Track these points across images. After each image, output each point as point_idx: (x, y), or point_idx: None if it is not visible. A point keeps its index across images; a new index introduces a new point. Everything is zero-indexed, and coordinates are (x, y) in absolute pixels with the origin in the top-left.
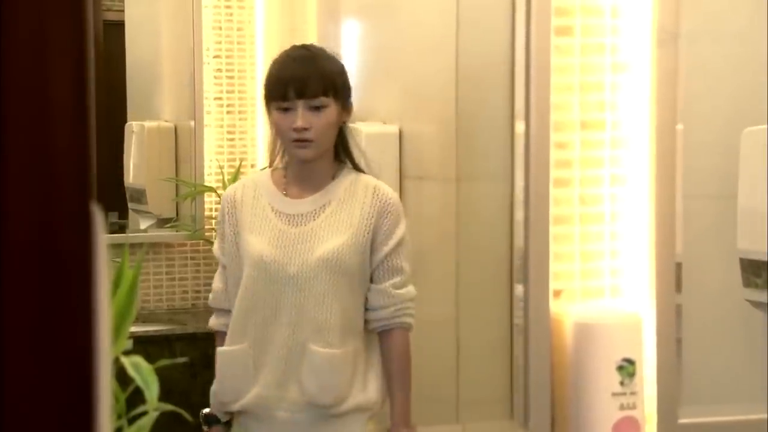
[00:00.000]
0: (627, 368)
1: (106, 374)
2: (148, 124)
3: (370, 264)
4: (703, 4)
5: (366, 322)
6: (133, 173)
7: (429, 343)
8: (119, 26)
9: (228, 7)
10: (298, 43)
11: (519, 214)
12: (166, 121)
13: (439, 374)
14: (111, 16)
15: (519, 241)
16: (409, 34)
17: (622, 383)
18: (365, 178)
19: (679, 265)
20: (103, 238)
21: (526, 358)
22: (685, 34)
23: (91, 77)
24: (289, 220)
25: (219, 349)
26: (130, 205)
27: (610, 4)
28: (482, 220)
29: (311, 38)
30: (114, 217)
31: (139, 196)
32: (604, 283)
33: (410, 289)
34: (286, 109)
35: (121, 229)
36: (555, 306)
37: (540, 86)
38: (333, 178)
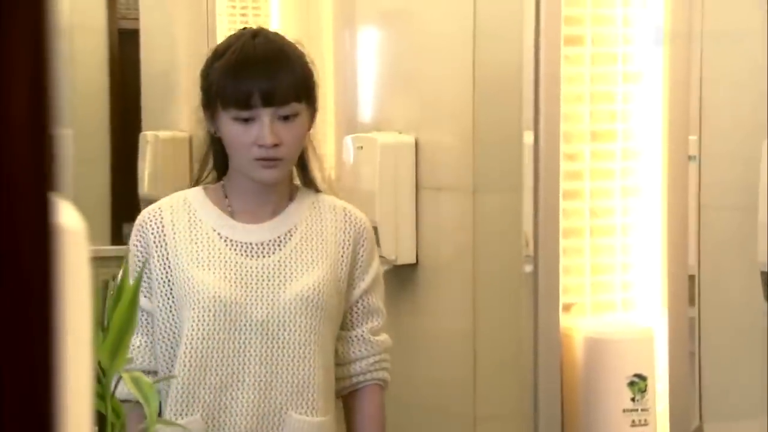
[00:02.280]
0: (638, 384)
1: (80, 398)
2: (162, 133)
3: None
4: (718, 11)
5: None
6: (147, 183)
7: (445, 357)
8: (134, 34)
9: (243, 15)
10: (314, 48)
11: (528, 227)
12: (181, 130)
13: (456, 389)
14: (126, 24)
15: (529, 253)
16: (426, 44)
17: (633, 399)
18: (328, 198)
19: (692, 278)
20: (84, 254)
21: (536, 374)
22: (699, 41)
23: (53, 89)
24: (245, 251)
25: (158, 427)
26: None
27: (622, 13)
28: (499, 232)
29: (327, 46)
30: (129, 228)
31: None
32: (616, 297)
33: (387, 337)
34: (246, 120)
35: None
36: (565, 320)
37: (550, 96)
38: (291, 198)
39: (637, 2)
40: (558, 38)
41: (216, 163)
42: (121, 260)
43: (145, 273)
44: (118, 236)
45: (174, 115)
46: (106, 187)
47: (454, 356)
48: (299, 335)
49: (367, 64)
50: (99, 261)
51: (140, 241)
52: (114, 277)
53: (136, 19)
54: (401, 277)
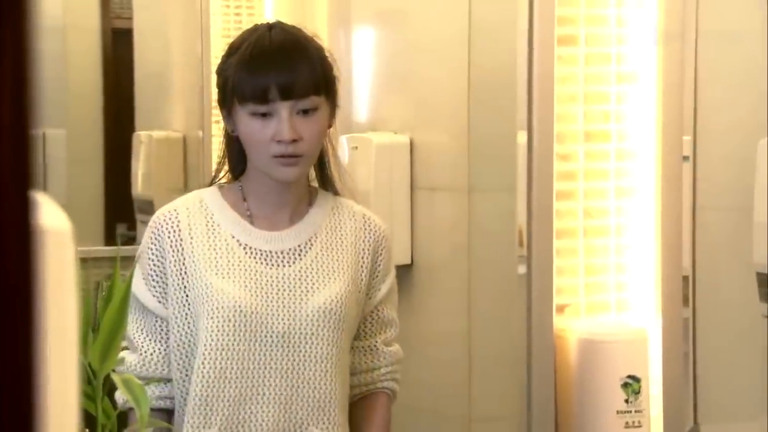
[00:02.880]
0: (632, 385)
1: (66, 399)
2: (156, 134)
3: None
4: (712, 12)
5: None
6: (141, 184)
7: (441, 358)
8: (128, 34)
9: (237, 15)
10: None
11: (522, 227)
12: (175, 131)
13: (451, 390)
14: (119, 23)
15: (522, 254)
16: (421, 44)
17: (627, 401)
18: (347, 203)
19: (686, 279)
20: (69, 255)
21: (529, 375)
22: (693, 42)
23: (36, 91)
24: (265, 259)
25: None
26: (138, 216)
27: (616, 13)
28: (495, 233)
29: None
30: (123, 229)
31: (148, 207)
32: (610, 298)
33: (399, 348)
34: (264, 114)
35: (130, 240)
36: (559, 321)
37: (543, 96)
38: (310, 203)
39: (631, 2)
40: (551, 38)
41: (234, 163)
42: (114, 261)
43: (161, 278)
44: (112, 237)
45: (168, 115)
46: (99, 188)
47: (449, 357)
48: (321, 348)
49: (363, 64)
50: (92, 262)
51: (155, 244)
52: (107, 278)
53: (130, 18)
54: (396, 277)
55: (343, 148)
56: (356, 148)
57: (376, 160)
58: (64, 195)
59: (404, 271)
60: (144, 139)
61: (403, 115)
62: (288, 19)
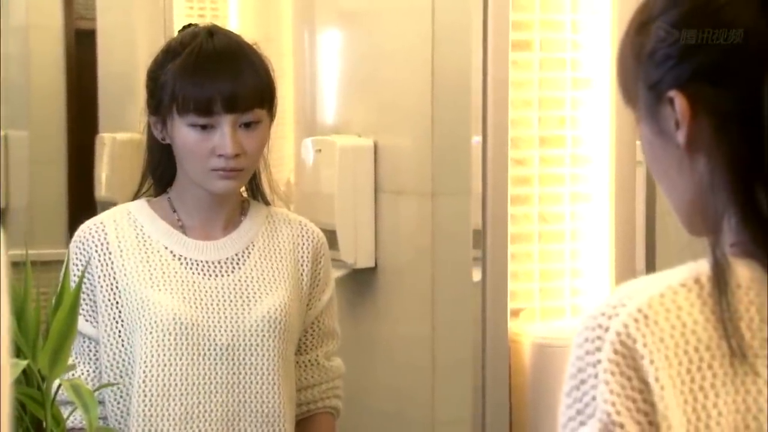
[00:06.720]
0: None
1: None
2: (119, 135)
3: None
4: None
5: None
6: (104, 186)
7: (405, 361)
8: (91, 35)
9: (201, 16)
10: (273, 49)
11: (477, 231)
12: (139, 132)
13: (415, 393)
14: (83, 24)
15: (477, 257)
16: (385, 47)
17: None
18: (281, 211)
19: None
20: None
21: (484, 379)
22: None
23: None
24: (201, 269)
25: None
26: None
27: (570, 18)
28: (459, 236)
29: (286, 48)
30: None
31: None
32: (565, 303)
33: (341, 363)
34: (204, 126)
35: None
36: (513, 326)
37: (498, 101)
38: (243, 213)
39: (585, 8)
40: (506, 43)
41: (162, 174)
42: (65, 264)
43: (88, 296)
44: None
45: (131, 116)
46: (62, 189)
47: (413, 360)
48: (267, 360)
49: (327, 66)
50: (54, 264)
51: (80, 260)
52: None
53: (93, 19)
54: (360, 281)
55: (307, 150)
56: (320, 150)
57: (340, 163)
58: (27, 197)
59: (368, 274)
60: (107, 141)
61: (367, 117)
62: (252, 21)
